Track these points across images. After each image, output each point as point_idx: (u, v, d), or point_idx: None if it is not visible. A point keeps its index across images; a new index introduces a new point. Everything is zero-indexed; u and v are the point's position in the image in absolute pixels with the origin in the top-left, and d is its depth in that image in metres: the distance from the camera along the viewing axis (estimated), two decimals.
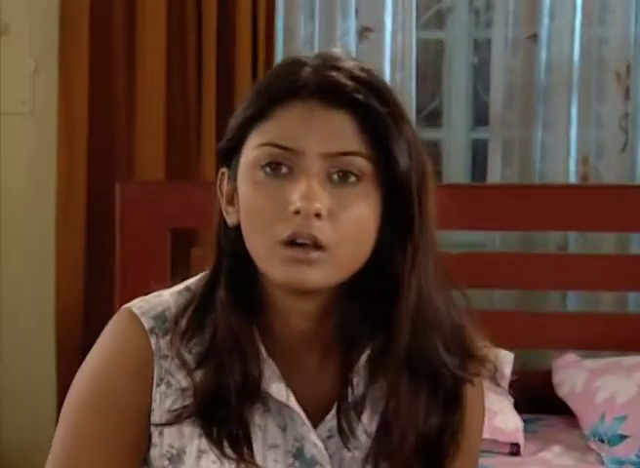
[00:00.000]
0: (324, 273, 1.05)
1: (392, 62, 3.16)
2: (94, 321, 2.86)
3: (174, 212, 2.68)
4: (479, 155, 3.35)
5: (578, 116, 3.11)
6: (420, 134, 3.22)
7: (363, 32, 3.15)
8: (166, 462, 1.12)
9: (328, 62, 1.09)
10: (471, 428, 1.16)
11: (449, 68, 3.31)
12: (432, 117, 3.39)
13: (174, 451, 1.12)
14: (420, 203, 1.08)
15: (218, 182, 1.15)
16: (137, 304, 1.15)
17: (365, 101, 1.06)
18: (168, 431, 1.12)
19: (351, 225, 1.06)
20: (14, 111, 3.12)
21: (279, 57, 3.06)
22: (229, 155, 1.13)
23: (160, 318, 1.14)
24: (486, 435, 2.42)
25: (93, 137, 3.02)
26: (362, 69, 1.09)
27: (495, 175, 3.16)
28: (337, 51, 1.13)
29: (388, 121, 1.06)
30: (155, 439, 1.13)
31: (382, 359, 1.09)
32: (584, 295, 3.11)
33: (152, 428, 1.12)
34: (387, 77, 3.14)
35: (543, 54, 3.11)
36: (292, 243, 1.04)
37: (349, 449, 1.12)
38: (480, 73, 3.35)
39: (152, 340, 1.12)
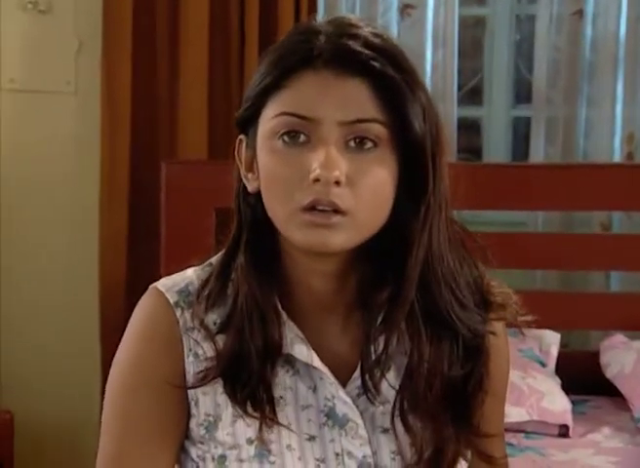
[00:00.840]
0: (345, 236, 1.07)
1: (434, 39, 3.15)
2: (136, 301, 2.84)
3: (218, 191, 2.64)
4: (520, 133, 3.33)
5: (623, 93, 3.09)
6: (461, 111, 3.17)
7: (405, 9, 3.14)
8: (203, 431, 1.15)
9: (341, 29, 1.09)
10: (496, 373, 1.18)
11: (490, 45, 3.28)
12: (473, 94, 3.37)
13: (211, 419, 1.14)
14: (435, 166, 1.10)
15: (236, 150, 1.17)
16: (161, 282, 1.18)
17: (380, 69, 1.06)
18: (203, 401, 1.14)
19: (370, 190, 1.07)
20: (58, 90, 3.12)
21: None
22: (247, 124, 1.14)
23: (184, 292, 1.16)
24: (534, 416, 2.47)
25: (136, 118, 3.03)
26: (376, 35, 1.09)
27: (537, 153, 3.14)
28: (349, 16, 1.13)
29: (403, 87, 1.07)
30: (193, 410, 1.15)
31: (395, 313, 1.11)
32: (628, 276, 3.09)
33: (190, 399, 1.15)
34: (429, 54, 3.13)
35: (589, 30, 3.10)
36: (312, 209, 1.06)
37: (375, 405, 1.14)
38: (522, 50, 3.31)
39: (178, 313, 1.15)
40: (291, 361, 1.15)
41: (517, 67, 3.30)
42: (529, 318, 1.19)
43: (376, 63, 1.07)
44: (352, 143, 1.08)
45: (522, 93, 3.31)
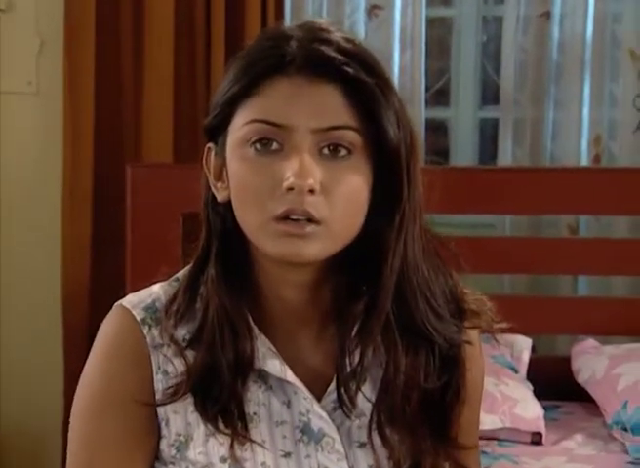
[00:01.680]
0: (320, 245, 1.06)
1: (401, 40, 3.12)
2: (101, 307, 2.71)
3: (186, 196, 2.60)
4: (487, 135, 3.32)
5: (590, 95, 3.08)
6: (428, 113, 3.14)
7: (372, 9, 3.12)
8: (173, 451, 1.12)
9: (313, 34, 1.08)
10: (472, 383, 1.17)
11: (457, 46, 3.27)
12: (440, 96, 3.35)
13: (182, 438, 1.12)
14: (409, 172, 1.09)
15: (204, 158, 1.15)
16: (127, 299, 1.15)
17: (354, 74, 1.05)
18: (173, 420, 1.12)
19: (344, 199, 1.06)
20: (19, 91, 3.07)
21: None
22: (215, 132, 1.12)
23: (151, 309, 1.14)
24: (507, 424, 2.46)
25: (99, 119, 2.98)
26: (348, 40, 1.08)
27: (505, 155, 3.13)
28: (319, 20, 1.11)
29: (377, 93, 1.06)
30: (163, 431, 1.13)
31: (371, 324, 1.10)
32: (596, 280, 3.09)
33: (160, 420, 1.12)
34: (396, 55, 3.11)
35: (556, 31, 3.08)
36: (286, 218, 1.05)
37: (351, 419, 1.12)
38: (489, 51, 3.30)
39: (145, 330, 1.13)
40: (263, 376, 1.13)
41: (484, 69, 3.29)
42: (504, 325, 1.19)
43: (349, 69, 1.06)
44: (326, 151, 1.07)
45: (489, 94, 3.30)
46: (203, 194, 1.16)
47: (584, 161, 3.10)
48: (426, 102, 3.17)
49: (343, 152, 1.07)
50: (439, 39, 3.37)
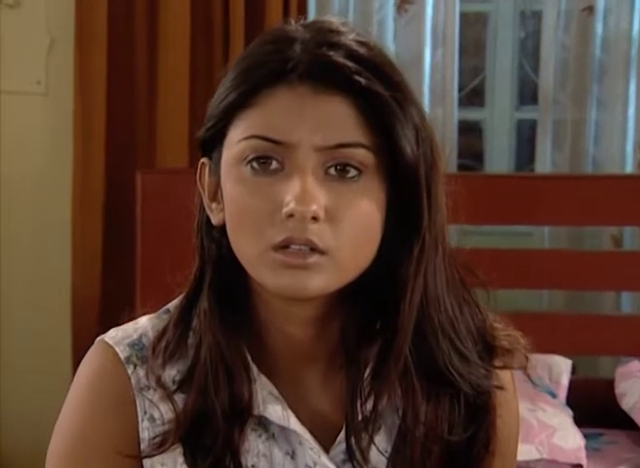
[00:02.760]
0: (324, 278, 0.96)
1: (433, 37, 3.03)
2: (111, 315, 2.78)
3: (199, 202, 2.54)
4: (524, 137, 3.22)
5: (636, 95, 2.96)
6: (462, 114, 3.04)
7: (402, 5, 3.02)
8: None
9: (321, 37, 0.97)
10: (505, 434, 1.07)
11: (493, 43, 3.17)
12: (474, 96, 3.26)
13: None
14: (429, 195, 0.99)
15: (198, 174, 1.05)
16: (109, 334, 1.07)
17: (366, 84, 0.95)
18: None
19: (354, 226, 0.96)
20: (27, 91, 3.01)
21: None
22: (210, 146, 1.02)
23: (137, 345, 1.05)
24: (544, 454, 2.27)
25: (112, 121, 2.91)
26: (361, 43, 0.97)
27: (544, 159, 3.01)
28: (331, 19, 1.01)
29: (393, 105, 0.96)
30: None
31: (387, 369, 1.01)
32: None
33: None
34: (428, 53, 3.03)
35: (599, 27, 2.98)
36: (286, 247, 0.95)
37: None
38: (527, 48, 3.21)
39: (129, 370, 1.04)
40: (264, 423, 1.03)
41: (521, 67, 3.19)
42: (534, 363, 1.08)
43: (360, 78, 0.95)
44: (333, 171, 0.96)
45: (527, 94, 3.20)
46: (197, 216, 1.06)
47: (629, 166, 2.98)
48: (460, 103, 3.08)
49: (353, 173, 0.96)
50: (474, 36, 3.27)
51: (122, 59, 2.91)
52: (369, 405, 1.01)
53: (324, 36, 0.97)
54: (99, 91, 2.88)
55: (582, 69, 2.96)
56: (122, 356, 1.04)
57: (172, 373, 1.03)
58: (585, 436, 2.42)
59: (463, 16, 3.08)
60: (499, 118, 3.17)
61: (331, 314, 1.02)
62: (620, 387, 2.56)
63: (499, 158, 3.16)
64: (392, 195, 0.98)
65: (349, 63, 0.95)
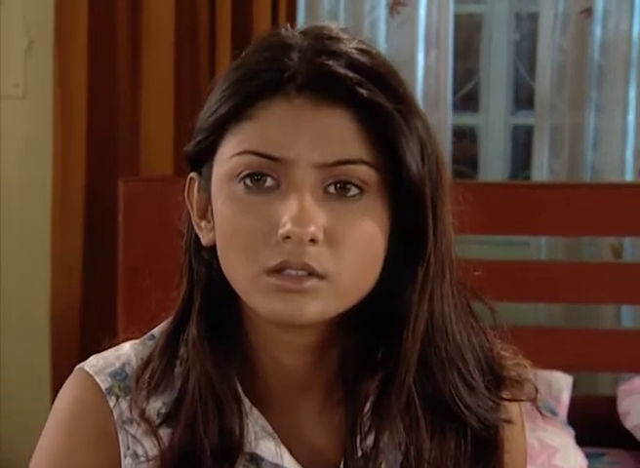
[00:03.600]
0: (322, 304, 0.91)
1: (426, 39, 2.96)
2: (92, 331, 2.80)
3: (187, 220, 2.50)
4: (520, 143, 3.16)
5: (636, 100, 2.89)
6: (456, 118, 2.99)
7: (394, 6, 2.96)
8: None
9: (320, 45, 0.93)
10: (512, 467, 1.03)
11: (487, 46, 3.10)
12: (468, 100, 3.19)
13: None
14: (435, 215, 0.95)
15: (186, 190, 1.01)
16: (90, 362, 1.02)
17: (368, 96, 0.91)
18: None
19: (355, 249, 0.92)
20: (4, 94, 2.97)
21: None
22: (199, 160, 0.98)
23: (119, 375, 1.01)
24: None
25: (93, 126, 2.86)
26: (362, 51, 0.93)
27: (540, 165, 2.94)
28: (330, 25, 0.96)
29: (397, 118, 0.91)
30: None
31: (389, 402, 0.96)
32: None
33: None
34: (421, 56, 2.97)
35: (598, 30, 2.91)
36: (281, 271, 0.91)
37: None
38: (522, 51, 3.14)
39: (111, 403, 0.99)
40: (256, 460, 0.98)
41: (517, 70, 3.12)
42: (541, 395, 1.03)
43: (362, 90, 0.90)
44: (332, 190, 0.92)
45: (522, 98, 3.13)
46: (185, 235, 1.01)
47: (629, 173, 2.91)
48: (453, 107, 3.02)
49: (354, 191, 0.91)
50: (467, 38, 3.20)
51: (103, 62, 2.87)
52: (369, 440, 0.96)
53: (323, 44, 0.92)
54: (79, 94, 2.84)
55: (580, 73, 2.89)
56: (103, 387, 0.99)
57: (157, 406, 0.98)
58: (587, 456, 2.35)
59: (457, 17, 3.01)
60: (493, 123, 3.10)
61: (328, 342, 0.98)
62: (624, 405, 2.49)
63: (493, 165, 3.10)
64: (395, 215, 0.94)
65: (351, 74, 0.90)
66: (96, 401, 0.99)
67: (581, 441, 2.38)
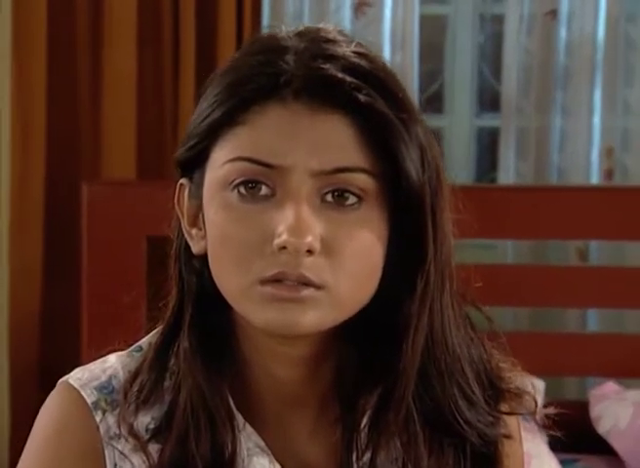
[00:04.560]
0: (319, 314, 0.89)
1: (392, 40, 2.95)
2: (52, 337, 2.74)
3: (150, 216, 2.44)
4: (486, 145, 3.14)
5: (602, 102, 2.90)
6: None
7: (359, 7, 2.94)
8: None
9: (316, 48, 0.90)
10: None
11: (452, 47, 3.09)
12: (433, 101, 3.15)
13: None
14: (435, 224, 0.93)
15: (176, 197, 0.98)
16: (75, 375, 0.99)
17: (367, 102, 0.89)
18: None
19: (353, 259, 0.90)
20: None
21: None
22: (190, 166, 0.96)
23: (106, 388, 0.98)
24: None
25: (53, 130, 2.80)
26: (360, 55, 0.91)
27: (507, 168, 2.94)
28: (326, 27, 0.94)
29: (397, 125, 0.89)
30: None
31: (387, 418, 0.95)
32: (608, 314, 2.89)
33: None
34: (387, 57, 2.93)
35: (563, 32, 2.91)
36: (277, 281, 0.89)
37: None
38: (487, 53, 3.12)
39: (98, 418, 0.96)
40: None
41: (481, 72, 3.10)
42: (552, 410, 1.05)
43: (360, 95, 0.88)
44: (330, 198, 0.90)
45: (487, 100, 3.11)
46: (175, 242, 0.99)
47: (595, 175, 2.92)
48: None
49: (352, 200, 0.90)
50: (432, 39, 3.16)
51: (64, 64, 2.81)
52: (366, 457, 0.95)
53: (320, 47, 0.90)
54: (38, 96, 2.77)
55: (546, 75, 2.90)
56: (89, 401, 0.96)
57: (145, 421, 0.95)
58: (561, 462, 2.33)
59: (421, 18, 2.98)
60: (458, 125, 3.08)
61: (323, 354, 0.95)
62: (596, 410, 2.48)
63: (458, 167, 3.06)
64: (394, 224, 0.92)
65: (348, 78, 0.88)
66: (81, 416, 0.96)
67: (553, 447, 2.35)
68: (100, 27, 2.79)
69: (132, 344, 1.02)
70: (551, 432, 1.04)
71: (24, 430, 1.04)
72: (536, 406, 1.01)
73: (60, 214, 2.79)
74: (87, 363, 1.03)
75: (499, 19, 3.00)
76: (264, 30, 2.77)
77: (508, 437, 0.99)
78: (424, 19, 3.05)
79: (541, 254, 2.89)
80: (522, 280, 2.64)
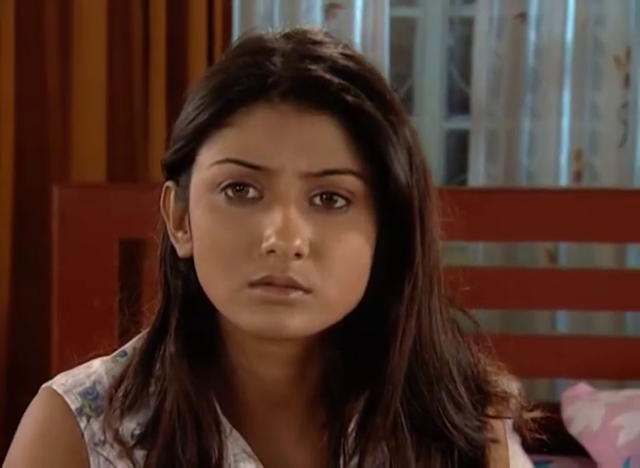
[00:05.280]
0: (307, 317, 0.89)
1: (363, 42, 2.93)
2: (22, 349, 2.68)
3: (121, 219, 2.46)
4: (455, 147, 3.14)
5: (570, 105, 2.90)
6: None
7: (330, 9, 2.92)
8: None
9: (303, 49, 0.90)
10: None
11: (421, 50, 3.08)
12: (402, 103, 3.09)
13: None
14: (423, 227, 0.92)
15: (161, 199, 0.98)
16: (58, 380, 0.97)
17: (354, 103, 0.88)
18: None
19: (342, 263, 0.89)
20: None
21: (235, 38, 2.78)
22: (177, 168, 0.95)
23: (90, 394, 0.97)
24: None
25: (21, 132, 2.76)
26: (347, 57, 0.91)
27: (476, 170, 2.94)
28: (312, 28, 0.94)
29: (385, 126, 0.89)
30: None
31: (374, 423, 0.94)
32: (577, 315, 2.89)
33: None
34: None
35: (532, 35, 2.91)
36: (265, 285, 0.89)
37: None
38: (456, 56, 3.13)
39: (82, 424, 0.95)
40: None
41: (450, 75, 3.11)
42: (538, 414, 1.02)
43: (348, 96, 0.88)
44: (318, 201, 0.89)
45: (456, 103, 3.11)
46: (160, 246, 0.98)
47: (564, 177, 2.92)
48: None
49: (340, 202, 0.89)
50: (401, 42, 3.17)
51: (31, 65, 2.77)
52: (353, 462, 0.94)
53: (307, 48, 0.90)
54: (5, 98, 2.73)
55: (516, 78, 2.90)
56: (73, 407, 0.95)
57: (130, 427, 0.94)
58: (534, 463, 2.34)
59: (391, 21, 2.97)
60: (428, 128, 3.06)
61: (310, 355, 0.95)
62: (568, 411, 2.48)
63: None
64: (382, 228, 0.91)
65: (336, 79, 0.88)
66: (65, 422, 0.95)
67: (525, 448, 2.35)
68: (69, 29, 2.76)
69: (116, 349, 1.00)
70: (524, 433, 1.02)
71: None
72: (522, 408, 1.01)
73: (28, 217, 2.76)
74: (56, 367, 1.01)
75: (468, 22, 3.00)
76: (235, 31, 2.79)
77: (495, 441, 0.99)
78: (394, 22, 3.05)
79: (511, 256, 2.89)
80: (492, 282, 2.63)
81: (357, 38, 2.89)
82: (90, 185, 2.68)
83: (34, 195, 2.74)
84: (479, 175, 2.92)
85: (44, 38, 2.77)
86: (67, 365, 1.01)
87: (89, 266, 2.47)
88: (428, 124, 3.07)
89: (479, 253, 2.93)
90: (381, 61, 2.90)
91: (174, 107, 2.66)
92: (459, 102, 3.09)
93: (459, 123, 3.09)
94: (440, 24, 3.04)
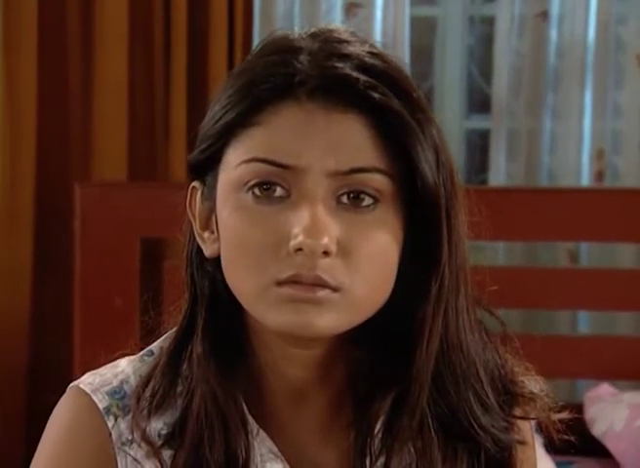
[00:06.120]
0: (335, 316, 0.89)
1: (383, 42, 2.88)
2: (43, 348, 2.68)
3: (143, 218, 2.46)
4: (476, 147, 3.12)
5: (592, 105, 2.89)
6: None
7: (351, 8, 2.92)
8: None
9: (329, 48, 0.90)
10: None
11: (442, 49, 3.07)
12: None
13: None
14: (450, 226, 0.92)
15: (188, 200, 0.98)
16: (86, 380, 0.98)
17: (382, 101, 0.88)
18: None
19: (369, 261, 0.89)
20: None
21: (256, 38, 2.81)
22: (203, 168, 0.95)
23: (118, 393, 0.97)
24: None
25: (43, 130, 2.75)
26: (374, 55, 0.91)
27: (497, 170, 2.94)
28: (337, 27, 0.94)
29: (412, 125, 0.89)
30: None
31: (401, 423, 0.94)
32: (599, 316, 2.88)
33: None
34: None
35: (554, 34, 2.90)
36: (293, 283, 0.89)
37: None
38: (476, 55, 3.11)
39: (110, 423, 0.96)
40: None
41: (470, 74, 3.09)
42: (566, 414, 1.01)
43: (376, 94, 0.88)
44: (345, 199, 0.89)
45: (477, 102, 3.10)
46: (187, 246, 0.98)
47: (585, 177, 2.91)
48: None
49: (368, 201, 0.89)
50: (421, 41, 3.15)
51: (54, 62, 2.76)
52: (379, 463, 0.94)
53: (333, 46, 0.90)
54: (28, 97, 2.73)
55: (537, 77, 2.89)
56: (101, 406, 0.95)
57: (157, 426, 0.94)
58: (556, 464, 2.31)
59: (411, 20, 2.97)
60: (448, 127, 3.02)
61: (337, 355, 0.95)
62: (590, 412, 2.47)
63: None
64: (408, 227, 0.91)
65: (363, 77, 0.88)
66: (93, 421, 0.95)
67: (548, 449, 2.29)
68: (91, 29, 2.76)
69: (140, 349, 1.01)
70: (551, 434, 1.02)
71: (13, 432, 1.02)
72: (550, 409, 1.00)
73: (50, 216, 2.75)
74: (79, 366, 1.01)
75: (489, 21, 2.99)
76: (255, 30, 2.79)
77: (522, 442, 0.98)
78: (414, 21, 3.04)
79: (532, 256, 2.88)
80: (512, 282, 2.61)
81: (377, 37, 2.88)
82: (111, 184, 2.68)
83: (56, 194, 2.73)
84: (500, 174, 2.91)
85: (66, 38, 2.77)
86: (90, 364, 1.01)
87: (110, 265, 2.47)
88: (449, 123, 3.04)
89: (500, 253, 2.92)
90: (402, 60, 2.90)
91: (194, 107, 2.68)
92: (479, 102, 3.08)
93: (479, 122, 3.08)
94: (460, 23, 3.03)
